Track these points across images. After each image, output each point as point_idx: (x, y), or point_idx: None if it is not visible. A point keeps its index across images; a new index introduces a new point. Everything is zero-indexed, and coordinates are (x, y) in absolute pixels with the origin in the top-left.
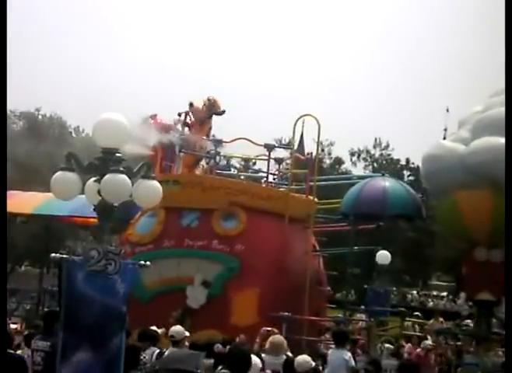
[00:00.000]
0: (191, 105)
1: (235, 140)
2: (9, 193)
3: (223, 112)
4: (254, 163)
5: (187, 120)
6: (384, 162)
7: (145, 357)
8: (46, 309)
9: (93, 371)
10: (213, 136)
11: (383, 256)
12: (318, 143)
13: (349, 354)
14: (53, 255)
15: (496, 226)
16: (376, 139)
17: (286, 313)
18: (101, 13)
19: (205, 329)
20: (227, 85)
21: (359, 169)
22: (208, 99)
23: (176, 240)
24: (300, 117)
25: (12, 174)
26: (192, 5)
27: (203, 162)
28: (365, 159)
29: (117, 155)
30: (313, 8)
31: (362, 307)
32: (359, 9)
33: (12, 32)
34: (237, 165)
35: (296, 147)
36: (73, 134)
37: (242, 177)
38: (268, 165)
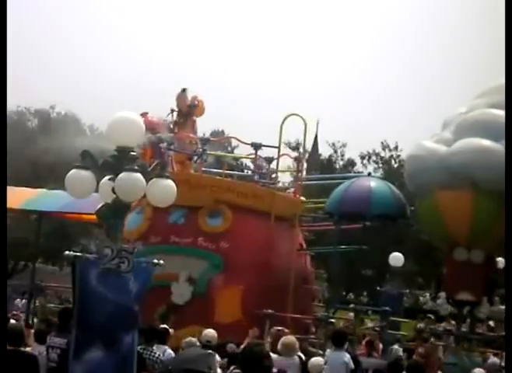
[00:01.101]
0: (183, 90)
1: (223, 138)
2: None
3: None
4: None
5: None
6: (394, 162)
7: (156, 354)
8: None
9: (105, 369)
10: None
11: (396, 258)
12: (304, 142)
13: (348, 356)
14: (67, 253)
15: (476, 226)
16: (382, 142)
17: (270, 310)
18: (112, 14)
19: (189, 326)
20: (238, 85)
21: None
22: (197, 101)
23: (162, 237)
24: (287, 117)
25: (27, 171)
26: (191, 5)
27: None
28: (375, 162)
29: (132, 153)
30: (320, 9)
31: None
32: (367, 10)
33: (27, 31)
34: (232, 163)
35: (305, 149)
36: (87, 132)
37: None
38: (255, 164)
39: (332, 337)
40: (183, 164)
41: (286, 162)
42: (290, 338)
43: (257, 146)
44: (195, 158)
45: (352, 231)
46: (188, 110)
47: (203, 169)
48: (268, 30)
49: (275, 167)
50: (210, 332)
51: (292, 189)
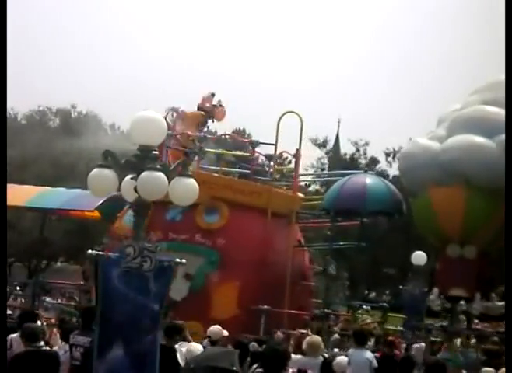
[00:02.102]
0: (212, 94)
1: (221, 136)
2: None
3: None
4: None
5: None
6: None
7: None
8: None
9: (126, 368)
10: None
11: (418, 257)
12: (301, 140)
13: (371, 354)
14: (89, 252)
15: (469, 223)
16: (410, 139)
17: (266, 306)
18: (123, 14)
19: (186, 322)
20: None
21: (394, 170)
22: (220, 105)
23: (160, 234)
24: (284, 114)
25: (49, 170)
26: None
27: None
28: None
29: (154, 152)
30: (329, 6)
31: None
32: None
33: (44, 31)
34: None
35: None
36: (108, 131)
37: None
38: (252, 162)
39: (354, 336)
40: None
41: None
42: (315, 338)
43: (254, 144)
44: (192, 155)
45: (371, 228)
46: (211, 110)
47: (201, 166)
48: (286, 27)
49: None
50: (214, 328)
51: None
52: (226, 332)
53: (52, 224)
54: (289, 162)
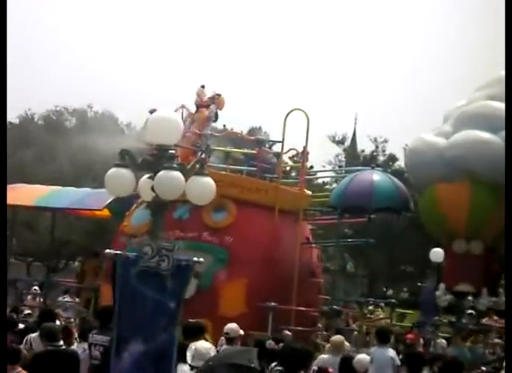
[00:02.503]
0: (202, 86)
1: (226, 134)
2: (13, 185)
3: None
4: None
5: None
6: None
7: None
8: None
9: (144, 366)
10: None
11: (436, 254)
12: (307, 137)
13: (394, 352)
14: (107, 251)
15: (474, 218)
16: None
17: (273, 303)
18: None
19: (195, 320)
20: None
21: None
22: (217, 94)
23: (168, 232)
24: (290, 112)
25: (66, 170)
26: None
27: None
28: None
29: (171, 151)
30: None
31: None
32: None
33: (63, 32)
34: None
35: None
36: (125, 131)
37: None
38: (259, 159)
39: (377, 334)
40: (187, 159)
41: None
42: (338, 337)
43: (260, 142)
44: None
45: (387, 225)
46: (208, 104)
47: (209, 164)
48: (305, 23)
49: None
50: (232, 325)
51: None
52: (241, 331)
53: (71, 224)
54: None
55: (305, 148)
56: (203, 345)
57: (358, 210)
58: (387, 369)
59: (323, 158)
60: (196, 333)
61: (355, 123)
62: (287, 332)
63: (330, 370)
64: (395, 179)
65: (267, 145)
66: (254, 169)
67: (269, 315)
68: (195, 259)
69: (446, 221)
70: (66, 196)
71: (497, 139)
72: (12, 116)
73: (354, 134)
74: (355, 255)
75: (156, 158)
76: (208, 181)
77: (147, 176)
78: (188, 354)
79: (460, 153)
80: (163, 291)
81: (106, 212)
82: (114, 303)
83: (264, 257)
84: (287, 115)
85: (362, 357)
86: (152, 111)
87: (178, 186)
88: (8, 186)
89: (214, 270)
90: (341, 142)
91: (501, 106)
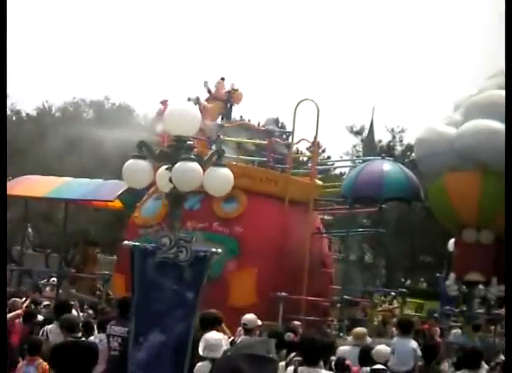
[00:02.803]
0: (222, 79)
1: (236, 124)
2: (25, 177)
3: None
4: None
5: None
6: None
7: None
8: None
9: (163, 356)
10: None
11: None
12: (317, 128)
13: (416, 343)
14: (125, 242)
15: (485, 208)
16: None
17: (283, 293)
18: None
19: (204, 310)
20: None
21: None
22: (234, 89)
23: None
24: (300, 102)
25: (84, 162)
26: None
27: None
28: None
29: (188, 142)
30: None
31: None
32: None
33: (80, 24)
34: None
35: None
36: (142, 122)
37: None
38: (270, 150)
39: (399, 325)
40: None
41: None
42: (360, 329)
43: (270, 132)
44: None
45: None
46: (227, 96)
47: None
48: (321, 13)
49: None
50: (249, 316)
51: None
52: (259, 322)
53: (89, 215)
54: (323, 151)
55: (315, 138)
56: (213, 336)
57: (368, 200)
58: (409, 360)
59: (341, 149)
60: (213, 324)
61: (373, 114)
62: (297, 322)
63: (347, 362)
64: (406, 169)
65: (283, 136)
66: (265, 159)
67: (280, 305)
68: (213, 249)
69: (456, 211)
70: (78, 188)
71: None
72: (30, 108)
73: (371, 125)
74: (374, 245)
75: (174, 150)
76: (226, 172)
77: (165, 167)
78: (200, 345)
79: (470, 143)
80: (181, 281)
81: (118, 203)
82: (132, 294)
83: (275, 247)
84: (297, 105)
85: (381, 347)
86: (163, 102)
87: (196, 178)
88: (21, 178)
89: (224, 260)
90: (358, 133)
91: None
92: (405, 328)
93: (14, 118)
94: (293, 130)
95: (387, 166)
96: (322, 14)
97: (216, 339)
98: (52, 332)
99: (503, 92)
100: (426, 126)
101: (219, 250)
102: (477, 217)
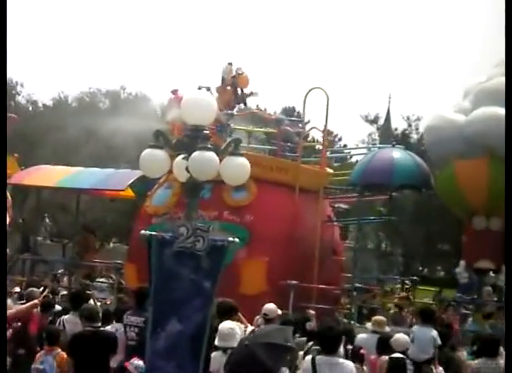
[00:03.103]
0: (229, 64)
1: (246, 113)
2: (37, 167)
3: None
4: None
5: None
6: None
7: None
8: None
9: (181, 345)
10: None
11: None
12: (327, 116)
13: (436, 332)
14: (142, 232)
15: (494, 194)
16: None
17: (293, 282)
18: None
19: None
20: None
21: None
22: (239, 73)
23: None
24: (310, 91)
25: (102, 152)
26: None
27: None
28: None
29: (205, 132)
30: None
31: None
32: None
33: (96, 14)
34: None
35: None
36: (158, 112)
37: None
38: (279, 138)
39: (420, 313)
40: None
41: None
42: (380, 317)
43: (280, 121)
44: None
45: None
46: (232, 81)
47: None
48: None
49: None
50: (269, 306)
51: None
52: (279, 311)
53: (105, 205)
54: (340, 139)
55: (325, 126)
56: (226, 325)
57: (378, 188)
58: (429, 349)
59: (358, 137)
60: (229, 313)
61: (389, 102)
62: (311, 311)
63: (362, 351)
64: (416, 157)
65: (299, 125)
66: (275, 148)
67: (290, 293)
68: (230, 239)
69: (465, 198)
70: (89, 177)
71: None
72: (46, 98)
73: (388, 113)
74: (391, 234)
75: (191, 139)
76: (243, 161)
77: (182, 156)
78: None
79: (478, 129)
80: (198, 271)
81: (129, 192)
82: (149, 284)
83: (285, 236)
84: (307, 94)
85: (400, 335)
86: (173, 91)
87: (213, 167)
88: (32, 168)
89: (235, 248)
90: (374, 121)
91: None
92: (426, 316)
93: (30, 108)
94: (303, 118)
95: (397, 154)
96: (338, 3)
97: (229, 329)
98: (69, 322)
99: None
100: (435, 113)
101: (236, 239)
102: (486, 204)
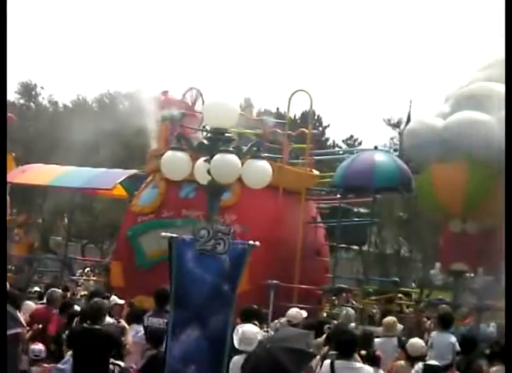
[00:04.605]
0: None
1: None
2: (30, 165)
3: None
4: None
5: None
6: None
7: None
8: None
9: (201, 349)
10: None
11: None
12: (310, 118)
13: (454, 338)
14: (163, 234)
15: (470, 198)
16: None
17: (274, 281)
18: None
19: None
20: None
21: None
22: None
23: (174, 211)
24: (294, 93)
25: (122, 154)
26: None
27: None
28: None
29: (227, 134)
30: None
31: None
32: None
33: (114, 16)
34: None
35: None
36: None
37: None
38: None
39: (439, 319)
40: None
41: None
42: (390, 318)
43: (264, 122)
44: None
45: None
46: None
47: None
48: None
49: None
50: (293, 311)
51: None
52: (305, 314)
53: (123, 206)
54: (360, 143)
55: (310, 128)
56: (251, 329)
57: (360, 190)
58: (447, 354)
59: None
60: (250, 316)
61: (410, 107)
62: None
63: (377, 353)
64: (398, 160)
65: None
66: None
67: (271, 292)
68: (251, 242)
69: (442, 201)
70: (80, 176)
71: (493, 120)
72: (67, 99)
73: (408, 117)
74: (410, 238)
75: (213, 142)
76: (264, 164)
77: (203, 159)
78: (235, 338)
79: (455, 133)
80: (219, 273)
81: (118, 191)
82: (170, 285)
83: (268, 236)
84: (291, 96)
85: (415, 340)
86: (164, 92)
87: (234, 170)
88: (25, 166)
89: None
90: (396, 125)
91: (498, 87)
92: (445, 322)
93: (51, 109)
94: (287, 119)
95: (378, 156)
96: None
97: (254, 333)
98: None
99: (489, 84)
100: (415, 118)
101: (257, 243)
102: (463, 208)
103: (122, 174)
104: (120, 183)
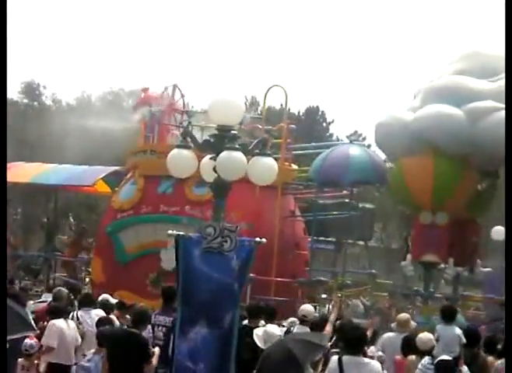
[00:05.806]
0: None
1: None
2: (11, 164)
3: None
4: None
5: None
6: None
7: None
8: None
9: (208, 346)
10: None
11: (499, 232)
12: (285, 112)
13: (460, 330)
14: (170, 232)
15: (439, 190)
16: None
17: (251, 274)
18: None
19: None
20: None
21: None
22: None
23: (152, 206)
24: (270, 88)
25: (125, 151)
26: None
27: None
28: None
29: (233, 132)
30: None
31: None
32: None
33: (118, 15)
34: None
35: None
36: None
37: None
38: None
39: (442, 312)
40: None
41: None
42: (404, 315)
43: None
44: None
45: None
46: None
47: None
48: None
49: None
50: (307, 307)
51: None
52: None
53: None
54: (364, 139)
55: (286, 123)
56: (274, 331)
57: (335, 184)
58: (455, 347)
59: None
60: (257, 314)
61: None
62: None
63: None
64: (372, 153)
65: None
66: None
67: (247, 286)
68: (257, 239)
69: (411, 194)
70: (60, 174)
71: (461, 113)
72: (70, 98)
73: None
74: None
75: (218, 139)
76: (270, 161)
77: (209, 156)
78: (259, 337)
79: (423, 126)
80: (226, 271)
81: (106, 188)
82: (177, 283)
83: (246, 230)
84: (267, 92)
85: (424, 335)
86: (144, 90)
87: (240, 167)
88: (8, 165)
89: None
90: None
91: (465, 80)
92: (448, 315)
93: (54, 108)
94: (263, 114)
95: (353, 150)
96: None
97: (278, 335)
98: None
99: (456, 78)
100: (386, 112)
101: (264, 240)
102: (432, 200)
103: (103, 171)
104: (105, 179)
